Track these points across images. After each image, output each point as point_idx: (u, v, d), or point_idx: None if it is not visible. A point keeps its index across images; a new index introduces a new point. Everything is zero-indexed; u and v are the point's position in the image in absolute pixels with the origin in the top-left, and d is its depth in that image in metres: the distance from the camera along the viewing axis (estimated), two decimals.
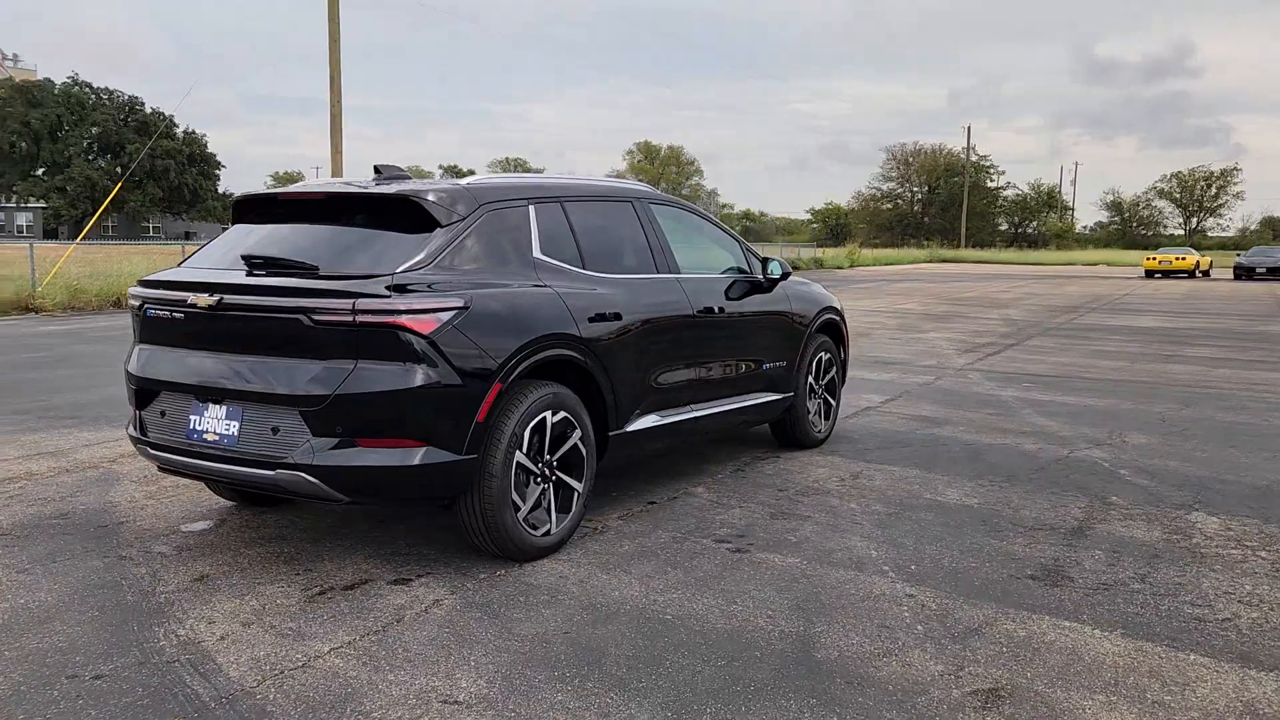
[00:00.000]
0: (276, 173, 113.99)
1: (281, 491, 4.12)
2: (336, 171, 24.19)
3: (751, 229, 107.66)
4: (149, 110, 75.59)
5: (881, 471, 6.20)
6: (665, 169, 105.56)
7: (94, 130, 74.05)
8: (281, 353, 4.04)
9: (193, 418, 4.26)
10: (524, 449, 4.31)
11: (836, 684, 3.28)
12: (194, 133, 77.44)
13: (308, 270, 4.14)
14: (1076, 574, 4.35)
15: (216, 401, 4.19)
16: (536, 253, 4.65)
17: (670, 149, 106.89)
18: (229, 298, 4.12)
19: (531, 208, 4.74)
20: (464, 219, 4.38)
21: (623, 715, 3.06)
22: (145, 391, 4.47)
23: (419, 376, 3.96)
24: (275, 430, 4.03)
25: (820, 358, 6.85)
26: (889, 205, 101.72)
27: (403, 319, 3.93)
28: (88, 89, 75.58)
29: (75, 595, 3.99)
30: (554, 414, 4.46)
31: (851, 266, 49.66)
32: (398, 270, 4.06)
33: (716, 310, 5.68)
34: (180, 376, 4.30)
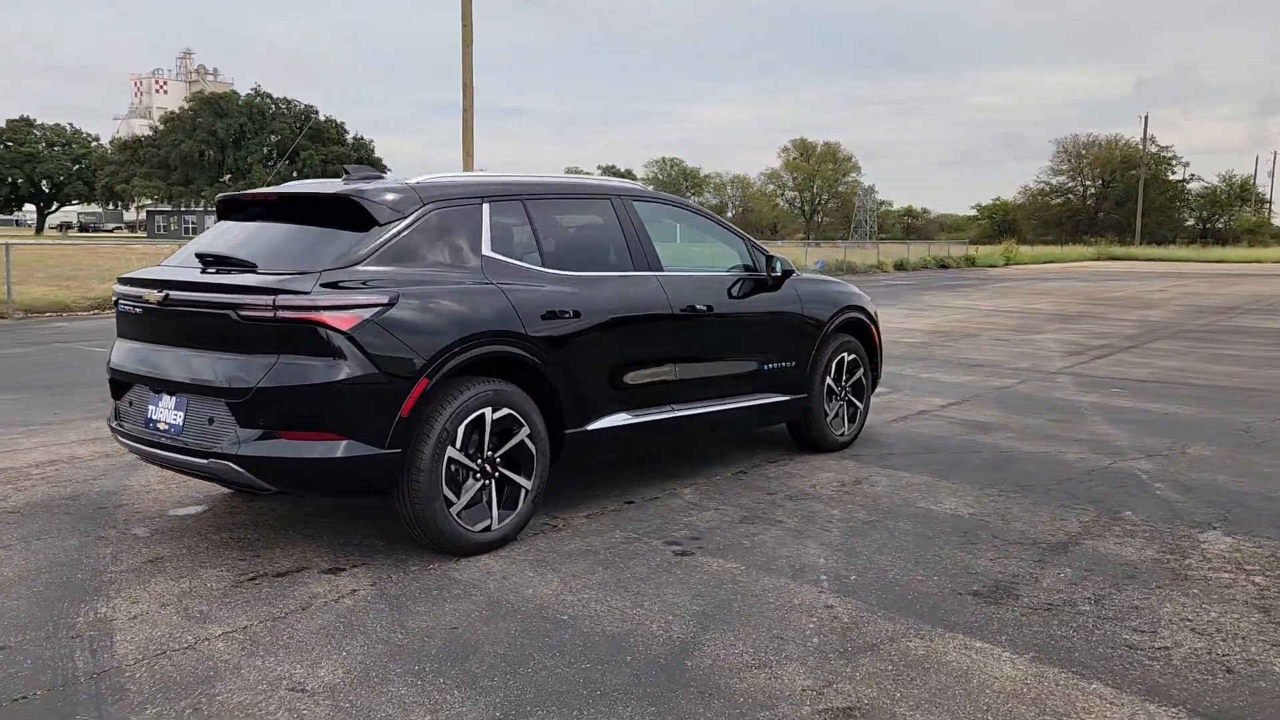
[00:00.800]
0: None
1: (217, 479, 4.30)
2: None
3: (913, 226, 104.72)
4: (322, 119, 79.92)
5: (889, 478, 5.94)
6: (821, 165, 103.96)
7: (273, 138, 78.92)
8: (216, 347, 4.22)
9: (150, 407, 4.50)
10: (457, 444, 4.35)
11: (688, 693, 3.17)
12: (362, 138, 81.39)
13: (247, 267, 4.31)
14: (1026, 592, 4.06)
15: (170, 393, 4.41)
16: (487, 250, 4.68)
17: (826, 145, 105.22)
18: (174, 294, 4.33)
19: (486, 206, 4.77)
20: (405, 217, 4.46)
21: (451, 713, 3.05)
22: (118, 382, 4.75)
23: (339, 371, 4.05)
24: (211, 421, 4.21)
25: (842, 358, 6.61)
26: (1059, 200, 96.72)
27: (322, 315, 4.03)
28: (268, 99, 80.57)
29: (34, 572, 4.27)
30: (495, 411, 4.47)
31: (1006, 264, 47.52)
32: (329, 267, 4.17)
33: (703, 308, 5.56)
34: (142, 368, 4.55)
